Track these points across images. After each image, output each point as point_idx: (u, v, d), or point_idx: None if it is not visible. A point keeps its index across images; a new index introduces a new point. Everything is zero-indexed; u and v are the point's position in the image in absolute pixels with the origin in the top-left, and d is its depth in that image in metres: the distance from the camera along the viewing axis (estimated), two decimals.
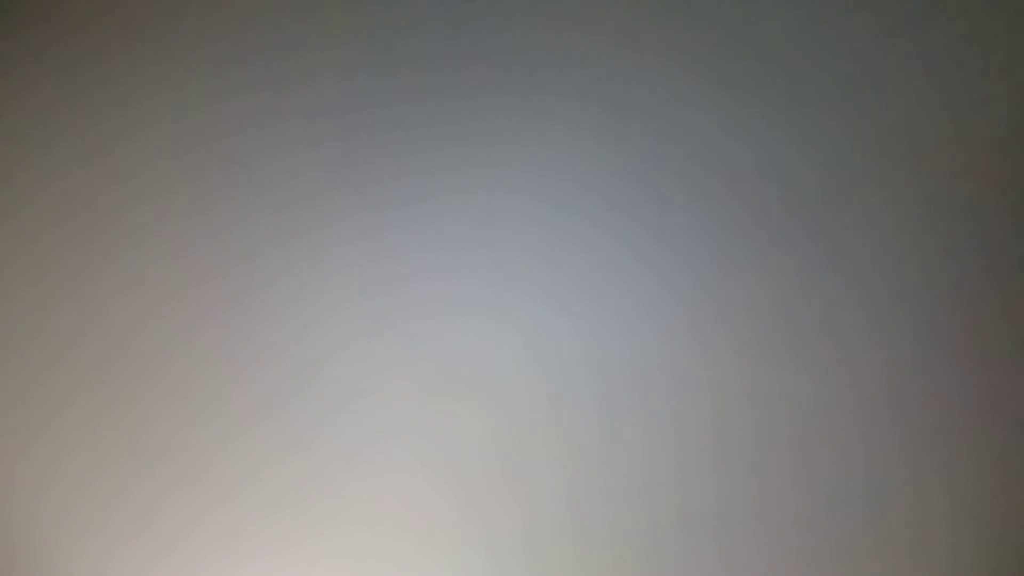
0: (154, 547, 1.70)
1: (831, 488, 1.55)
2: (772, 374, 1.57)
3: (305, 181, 1.68)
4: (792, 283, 1.57)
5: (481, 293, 1.63)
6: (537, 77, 1.63)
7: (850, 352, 1.55)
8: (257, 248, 1.69)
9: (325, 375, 1.67)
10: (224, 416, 1.69)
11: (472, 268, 1.63)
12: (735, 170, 1.58)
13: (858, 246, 1.55)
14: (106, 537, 1.71)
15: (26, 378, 1.73)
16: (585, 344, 1.61)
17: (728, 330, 1.58)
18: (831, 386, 1.55)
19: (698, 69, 1.59)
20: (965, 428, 1.53)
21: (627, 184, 1.60)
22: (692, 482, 1.58)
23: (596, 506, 1.60)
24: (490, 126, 1.63)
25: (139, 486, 1.70)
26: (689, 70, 1.59)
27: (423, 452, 1.64)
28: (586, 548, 1.60)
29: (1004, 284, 1.52)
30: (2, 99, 1.76)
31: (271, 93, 1.69)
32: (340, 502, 1.66)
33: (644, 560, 1.59)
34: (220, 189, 1.70)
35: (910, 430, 1.54)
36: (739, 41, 1.58)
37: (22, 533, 1.73)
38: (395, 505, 1.65)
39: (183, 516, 1.69)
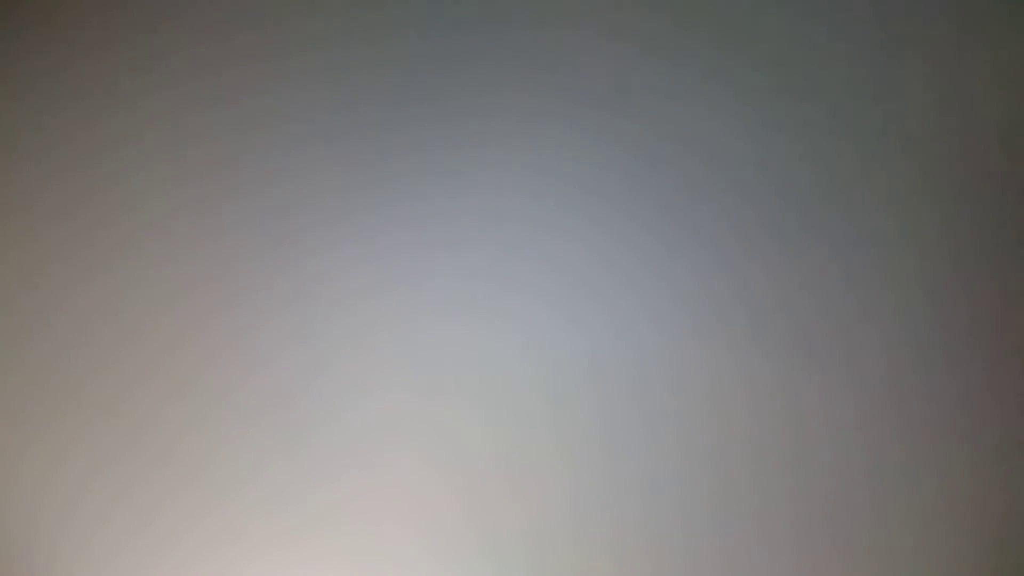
0: (154, 547, 1.70)
1: (831, 488, 1.55)
2: (772, 373, 1.57)
3: (305, 181, 1.68)
4: (792, 283, 1.57)
5: (481, 293, 1.63)
6: (537, 77, 1.63)
7: (850, 351, 1.55)
8: (257, 248, 1.69)
9: (325, 375, 1.67)
10: (224, 416, 1.69)
11: (472, 268, 1.63)
12: (735, 170, 1.58)
13: (858, 246, 1.55)
14: (106, 537, 1.71)
15: (26, 378, 1.73)
16: (585, 344, 1.61)
17: (728, 330, 1.58)
18: (831, 385, 1.56)
19: (698, 69, 1.59)
20: (965, 428, 1.53)
21: (627, 184, 1.60)
22: (692, 482, 1.58)
23: (596, 506, 1.60)
24: (490, 126, 1.63)
25: (139, 486, 1.70)
26: (689, 70, 1.59)
27: (423, 452, 1.64)
28: (586, 548, 1.60)
29: (1004, 284, 1.52)
30: (2, 99, 1.76)
31: (270, 93, 1.69)
32: (340, 502, 1.66)
33: (644, 560, 1.59)
34: (220, 189, 1.70)
35: (910, 429, 1.54)
36: (739, 41, 1.58)
37: (22, 533, 1.73)
38: (395, 505, 1.65)
39: (183, 516, 1.69)
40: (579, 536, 1.61)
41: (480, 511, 1.63)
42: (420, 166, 1.65)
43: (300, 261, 1.68)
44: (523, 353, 1.62)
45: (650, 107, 1.60)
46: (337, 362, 1.66)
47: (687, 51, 1.59)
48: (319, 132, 1.68)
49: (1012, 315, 1.52)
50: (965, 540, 1.52)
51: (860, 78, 1.56)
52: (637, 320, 1.60)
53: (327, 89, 1.68)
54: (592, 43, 1.61)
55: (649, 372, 1.59)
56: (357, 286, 1.66)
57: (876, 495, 1.54)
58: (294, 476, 1.67)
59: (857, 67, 1.56)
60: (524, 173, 1.63)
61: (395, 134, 1.66)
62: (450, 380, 1.64)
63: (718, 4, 1.59)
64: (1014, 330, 1.52)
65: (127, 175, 1.72)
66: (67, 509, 1.72)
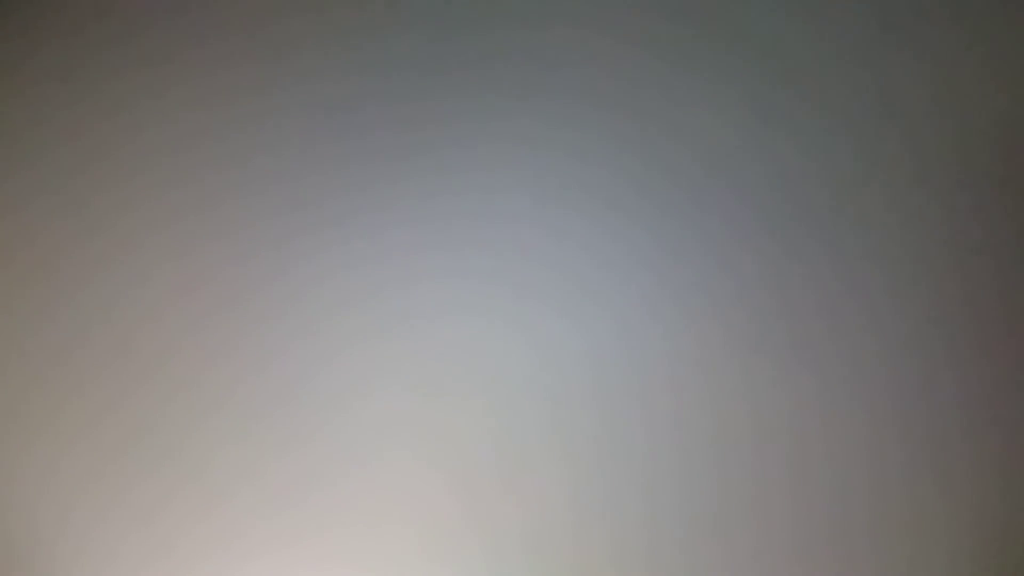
0: (154, 547, 1.70)
1: (831, 488, 1.55)
2: (772, 374, 1.57)
3: (305, 181, 1.68)
4: (792, 283, 1.57)
5: (481, 293, 1.63)
6: (537, 77, 1.63)
7: (850, 352, 1.55)
8: (257, 248, 1.69)
9: (325, 375, 1.67)
10: (224, 416, 1.69)
11: (472, 268, 1.63)
12: (735, 170, 1.58)
13: (858, 246, 1.55)
14: (106, 537, 1.71)
15: (26, 378, 1.73)
16: (585, 344, 1.61)
17: (728, 330, 1.58)
18: (831, 386, 1.55)
19: (698, 69, 1.59)
20: (964, 428, 1.53)
21: (627, 184, 1.61)
22: (692, 482, 1.58)
23: (596, 506, 1.60)
24: (490, 126, 1.63)
25: (139, 486, 1.70)
26: (689, 70, 1.59)
27: (423, 452, 1.64)
28: (586, 548, 1.60)
29: (1004, 284, 1.52)
30: (2, 99, 1.76)
31: (270, 93, 1.69)
32: (340, 502, 1.66)
33: (644, 560, 1.59)
34: (220, 189, 1.70)
35: (910, 430, 1.54)
36: (739, 41, 1.58)
37: (22, 533, 1.73)
38: (395, 505, 1.65)
39: (183, 516, 1.69)
40: (579, 536, 1.61)
41: (480, 511, 1.63)
42: (420, 166, 1.65)
43: (300, 261, 1.68)
44: (523, 353, 1.62)
45: (650, 107, 1.60)
46: (337, 362, 1.66)
47: (687, 51, 1.59)
48: (319, 132, 1.68)
49: (1012, 315, 1.52)
50: (965, 541, 1.52)
51: (860, 77, 1.56)
52: (637, 320, 1.60)
53: (327, 89, 1.68)
54: (592, 43, 1.61)
55: (649, 372, 1.59)
56: (357, 286, 1.66)
57: (876, 495, 1.54)
58: (294, 476, 1.67)
59: (857, 66, 1.56)
60: (524, 173, 1.63)
61: (395, 134, 1.66)
62: (450, 380, 1.64)
63: (718, 4, 1.59)
64: (1014, 330, 1.52)
65: (127, 175, 1.72)
66: (67, 509, 1.72)
